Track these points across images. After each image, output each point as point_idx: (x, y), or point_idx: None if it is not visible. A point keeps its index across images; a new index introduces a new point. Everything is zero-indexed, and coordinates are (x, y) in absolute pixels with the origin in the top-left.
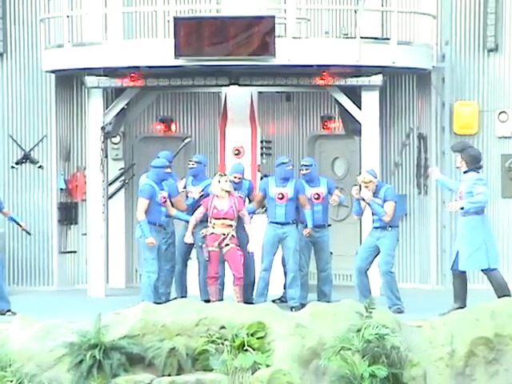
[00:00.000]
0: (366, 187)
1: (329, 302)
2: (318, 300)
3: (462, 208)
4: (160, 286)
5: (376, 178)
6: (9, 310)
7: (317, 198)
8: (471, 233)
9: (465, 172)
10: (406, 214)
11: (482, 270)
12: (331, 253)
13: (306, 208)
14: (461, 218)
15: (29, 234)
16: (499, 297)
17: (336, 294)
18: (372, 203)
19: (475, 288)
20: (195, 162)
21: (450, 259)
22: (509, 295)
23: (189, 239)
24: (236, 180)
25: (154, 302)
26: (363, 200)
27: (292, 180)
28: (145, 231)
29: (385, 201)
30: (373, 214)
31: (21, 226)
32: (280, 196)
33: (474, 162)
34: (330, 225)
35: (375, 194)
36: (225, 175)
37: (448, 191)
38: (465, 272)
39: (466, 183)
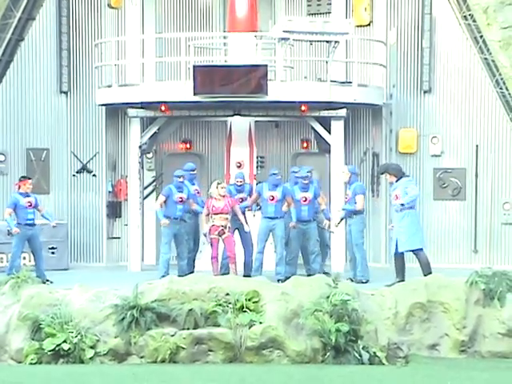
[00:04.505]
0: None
1: (321, 273)
2: (308, 274)
3: (403, 204)
4: (183, 263)
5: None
6: (48, 280)
7: (304, 201)
8: (408, 223)
9: (397, 181)
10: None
11: (414, 251)
12: (318, 240)
13: (291, 207)
14: (397, 213)
15: (53, 226)
16: (424, 273)
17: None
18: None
19: (410, 267)
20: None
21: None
22: (431, 272)
23: (204, 230)
24: (238, 183)
25: (162, 276)
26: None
27: (280, 186)
28: (159, 216)
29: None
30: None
31: (51, 223)
32: (271, 198)
33: (400, 172)
34: (315, 219)
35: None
36: (221, 183)
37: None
38: (403, 254)
39: (400, 188)
